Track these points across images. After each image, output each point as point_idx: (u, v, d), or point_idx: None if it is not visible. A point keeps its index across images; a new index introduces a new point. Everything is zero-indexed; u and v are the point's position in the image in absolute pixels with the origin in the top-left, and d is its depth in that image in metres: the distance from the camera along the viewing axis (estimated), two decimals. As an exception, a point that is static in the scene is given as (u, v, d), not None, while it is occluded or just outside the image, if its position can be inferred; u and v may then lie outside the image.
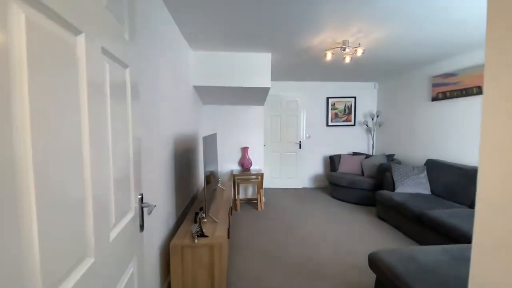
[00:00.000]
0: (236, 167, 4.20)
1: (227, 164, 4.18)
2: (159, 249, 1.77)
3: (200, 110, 3.78)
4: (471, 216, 2.56)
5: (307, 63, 3.67)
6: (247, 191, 4.28)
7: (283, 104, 5.12)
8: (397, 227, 3.06)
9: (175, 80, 2.27)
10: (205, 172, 2.09)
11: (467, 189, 2.85)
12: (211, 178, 2.68)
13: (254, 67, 3.18)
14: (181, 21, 2.21)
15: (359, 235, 2.92)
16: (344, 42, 2.69)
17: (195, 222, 1.83)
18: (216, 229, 1.99)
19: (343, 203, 4.21)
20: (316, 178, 5.35)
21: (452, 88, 3.41)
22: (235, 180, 3.82)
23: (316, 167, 5.34)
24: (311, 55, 3.25)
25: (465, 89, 3.22)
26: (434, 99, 3.71)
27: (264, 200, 4.15)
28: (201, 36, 2.58)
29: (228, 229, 2.35)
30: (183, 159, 2.54)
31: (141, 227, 1.08)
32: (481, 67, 2.99)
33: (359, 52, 2.68)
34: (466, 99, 3.25)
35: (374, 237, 2.87)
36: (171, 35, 2.13)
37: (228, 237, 2.38)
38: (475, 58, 3.09)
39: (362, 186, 4.03)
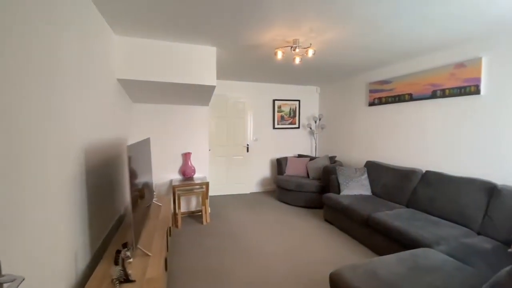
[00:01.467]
0: (176, 176, 3.66)
1: (165, 174, 3.60)
2: (58, 312, 1.22)
3: (129, 110, 3.13)
4: (412, 217, 2.65)
5: (255, 62, 3.43)
6: (190, 203, 3.78)
7: (230, 105, 4.79)
8: (345, 230, 3.08)
9: (88, 70, 1.69)
10: (131, 191, 1.60)
11: (403, 190, 3.05)
12: (144, 192, 2.15)
13: (197, 61, 2.75)
14: (96, -9, 1.66)
15: (311, 242, 2.82)
16: (295, 42, 2.53)
17: (116, 264, 1.33)
18: (148, 266, 1.52)
19: (291, 207, 4.13)
20: (263, 182, 5.19)
21: (386, 95, 3.66)
22: (176, 192, 3.29)
23: (264, 171, 5.18)
24: (259, 54, 3.01)
25: (398, 96, 3.48)
26: (371, 104, 3.95)
27: (210, 211, 3.73)
28: (127, 17, 2.04)
29: (166, 258, 1.88)
30: (103, 173, 1.95)
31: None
32: (411, 75, 3.26)
33: (310, 53, 2.56)
34: (398, 105, 3.52)
35: (326, 243, 2.80)
36: (80, 8, 1.56)
37: (166, 269, 1.92)
38: (407, 67, 3.36)
39: (308, 189, 4.02)
